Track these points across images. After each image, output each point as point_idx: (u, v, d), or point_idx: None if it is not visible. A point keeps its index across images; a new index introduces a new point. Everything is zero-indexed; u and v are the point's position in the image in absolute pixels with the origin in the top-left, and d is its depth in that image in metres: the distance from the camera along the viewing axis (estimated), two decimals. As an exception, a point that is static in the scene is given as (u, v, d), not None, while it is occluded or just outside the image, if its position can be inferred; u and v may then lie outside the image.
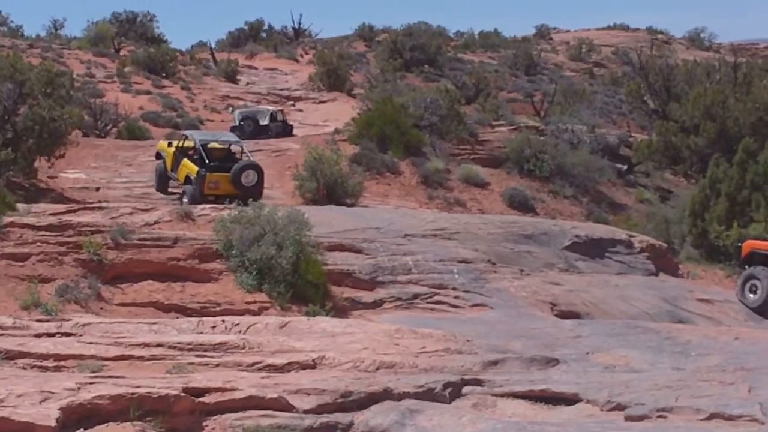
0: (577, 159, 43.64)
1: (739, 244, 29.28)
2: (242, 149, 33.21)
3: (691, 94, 49.04)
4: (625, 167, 48.59)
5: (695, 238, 34.64)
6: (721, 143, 43.82)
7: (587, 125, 50.70)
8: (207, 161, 31.15)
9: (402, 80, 67.75)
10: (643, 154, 48.04)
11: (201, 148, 31.46)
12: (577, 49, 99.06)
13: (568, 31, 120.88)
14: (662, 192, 47.45)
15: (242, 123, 49.52)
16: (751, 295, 26.12)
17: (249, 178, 30.43)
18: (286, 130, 50.52)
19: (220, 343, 13.43)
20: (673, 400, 11.57)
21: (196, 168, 31.09)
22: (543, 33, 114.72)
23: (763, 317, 25.37)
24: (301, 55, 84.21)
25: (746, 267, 27.10)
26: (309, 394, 11.60)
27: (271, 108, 53.42)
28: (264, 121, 49.74)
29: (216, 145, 32.58)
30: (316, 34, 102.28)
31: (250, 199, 23.69)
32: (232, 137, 34.94)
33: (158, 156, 34.86)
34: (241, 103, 61.72)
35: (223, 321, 15.10)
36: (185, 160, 32.02)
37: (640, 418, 11.22)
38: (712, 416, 10.97)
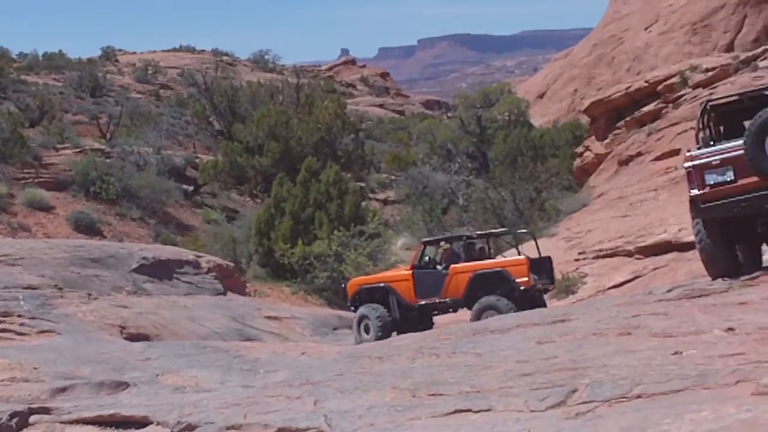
0: (143, 181, 43.71)
1: (344, 286, 27.90)
2: None
3: (255, 115, 50.26)
4: (192, 188, 49.06)
5: (261, 256, 35.50)
6: (285, 163, 45.12)
7: (154, 147, 50.90)
8: None
9: (-40, 103, 65.39)
10: (209, 174, 48.73)
11: None
12: (144, 71, 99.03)
13: (134, 53, 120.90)
14: (229, 212, 48.23)
15: None
16: (366, 335, 24.61)
17: None
18: None
19: None
20: (242, 417, 11.72)
21: None
22: (109, 55, 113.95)
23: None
24: None
25: (355, 308, 25.34)
26: None
27: None
28: None
29: None
30: None
31: None
32: None
33: None
34: None
35: None
36: None
37: (209, 437, 11.36)
38: (279, 430, 11.23)
